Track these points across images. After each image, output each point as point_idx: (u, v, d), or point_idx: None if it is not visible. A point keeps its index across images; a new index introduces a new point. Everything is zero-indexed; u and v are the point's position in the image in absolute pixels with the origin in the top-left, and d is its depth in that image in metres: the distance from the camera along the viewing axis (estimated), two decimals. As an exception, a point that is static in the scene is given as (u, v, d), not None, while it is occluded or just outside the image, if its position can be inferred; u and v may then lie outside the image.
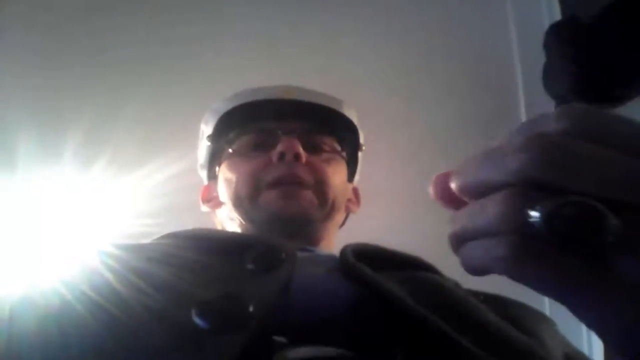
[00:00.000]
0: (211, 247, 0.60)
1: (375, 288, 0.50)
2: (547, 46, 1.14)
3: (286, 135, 0.80)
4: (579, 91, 1.10)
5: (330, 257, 0.64)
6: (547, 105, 1.23)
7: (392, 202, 1.23)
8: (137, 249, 0.60)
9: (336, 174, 0.84)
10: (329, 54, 1.33)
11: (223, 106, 0.88)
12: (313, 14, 1.36)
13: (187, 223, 0.70)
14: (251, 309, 0.43)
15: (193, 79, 1.27)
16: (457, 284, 0.63)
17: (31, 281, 0.53)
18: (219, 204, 0.88)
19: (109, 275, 0.51)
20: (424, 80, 1.34)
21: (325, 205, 0.80)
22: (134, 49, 1.29)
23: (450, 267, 0.64)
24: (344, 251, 0.59)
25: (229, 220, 0.84)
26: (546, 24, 1.28)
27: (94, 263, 0.54)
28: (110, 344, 0.41)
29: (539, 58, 1.19)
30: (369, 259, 0.57)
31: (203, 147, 0.93)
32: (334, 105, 0.89)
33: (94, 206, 1.17)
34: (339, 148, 0.89)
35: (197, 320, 0.42)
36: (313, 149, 0.84)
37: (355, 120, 0.92)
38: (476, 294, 0.59)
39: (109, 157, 1.16)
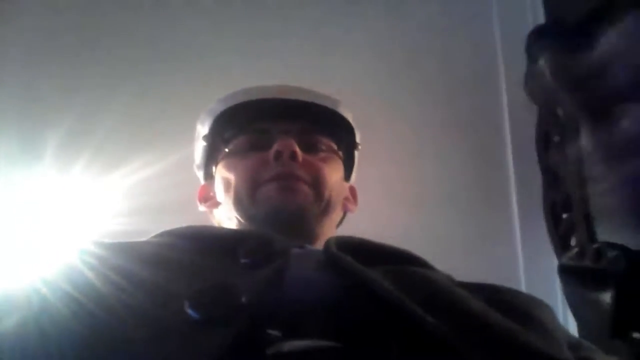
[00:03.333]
0: (205, 243, 0.60)
1: (354, 276, 0.51)
2: (529, 49, 1.14)
3: (282, 135, 0.81)
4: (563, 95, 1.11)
5: (322, 251, 0.64)
6: (530, 108, 1.24)
7: (389, 201, 1.24)
8: (129, 247, 0.60)
9: (332, 173, 0.84)
10: (325, 53, 1.34)
11: (219, 106, 0.88)
12: (307, 13, 1.37)
13: (170, 221, 0.70)
14: (243, 300, 0.43)
15: (179, 77, 1.26)
16: (448, 277, 0.63)
17: (11, 280, 0.54)
18: (216, 203, 0.88)
19: (89, 274, 0.51)
20: (414, 80, 1.35)
21: (321, 202, 0.81)
22: (117, 47, 1.28)
23: (450, 265, 0.65)
24: (327, 243, 0.59)
25: (227, 219, 0.85)
26: (531, 26, 1.28)
27: (74, 262, 0.54)
28: (90, 341, 0.41)
29: (522, 61, 1.19)
30: (354, 251, 0.57)
31: (199, 147, 0.93)
32: (330, 105, 0.89)
33: (75, 205, 1.17)
34: (335, 147, 0.89)
35: (189, 311, 0.42)
36: (309, 148, 0.84)
37: (351, 120, 0.93)
38: (468, 285, 0.59)
39: (91, 156, 1.16)
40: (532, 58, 1.15)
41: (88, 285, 0.48)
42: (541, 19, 1.29)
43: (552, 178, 1.21)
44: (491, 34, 1.37)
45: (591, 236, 1.12)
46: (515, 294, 0.62)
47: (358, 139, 0.95)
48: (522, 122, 1.30)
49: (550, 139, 1.23)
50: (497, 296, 0.57)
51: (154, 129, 1.07)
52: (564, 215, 1.17)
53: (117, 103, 1.21)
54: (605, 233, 1.11)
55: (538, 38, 1.15)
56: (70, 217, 1.16)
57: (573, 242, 1.15)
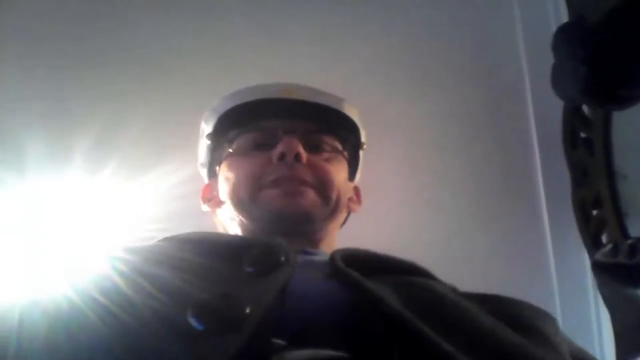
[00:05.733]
0: (210, 250, 0.60)
1: (362, 291, 0.51)
2: (555, 47, 1.14)
3: (287, 135, 0.80)
4: (589, 92, 1.10)
5: (327, 261, 0.64)
6: (555, 105, 1.24)
7: (393, 201, 1.23)
8: (139, 252, 0.60)
9: (337, 173, 0.84)
10: (330, 51, 1.33)
11: (223, 105, 0.88)
12: (313, 11, 1.36)
13: (197, 227, 0.70)
14: (247, 310, 0.43)
15: (201, 82, 1.26)
16: (453, 289, 0.62)
17: (40, 286, 0.54)
18: (219, 203, 0.87)
19: (117, 279, 0.51)
20: (427, 79, 1.34)
21: (329, 205, 0.80)
22: (144, 54, 1.28)
23: (450, 265, 0.65)
24: (333, 256, 0.59)
25: (229, 220, 0.84)
26: (553, 24, 1.28)
27: (101, 267, 0.54)
28: (118, 348, 0.42)
29: (546, 58, 1.19)
30: (360, 264, 0.57)
31: (203, 145, 0.93)
32: (334, 104, 0.89)
33: (103, 211, 1.17)
34: (340, 147, 0.88)
35: (192, 321, 0.43)
36: (314, 148, 0.83)
37: (356, 119, 0.92)
38: (472, 297, 0.59)
39: (118, 161, 1.16)
40: (557, 55, 1.15)
41: (115, 290, 0.49)
42: (564, 15, 1.28)
43: (580, 175, 1.21)
44: (513, 31, 1.37)
45: (623, 232, 1.11)
46: (519, 305, 0.61)
47: (363, 138, 0.94)
48: (547, 120, 1.29)
49: (577, 136, 1.23)
50: (503, 308, 0.57)
51: (184, 133, 1.07)
52: (594, 212, 1.17)
53: (143, 111, 1.21)
54: (638, 229, 1.11)
55: (564, 36, 1.15)
56: (98, 223, 1.16)
57: (604, 239, 1.15)
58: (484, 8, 1.38)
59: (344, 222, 0.94)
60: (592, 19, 1.17)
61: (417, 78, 1.33)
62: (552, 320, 0.61)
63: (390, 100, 1.30)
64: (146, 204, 1.15)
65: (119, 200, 1.17)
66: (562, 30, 1.18)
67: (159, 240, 0.68)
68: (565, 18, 1.28)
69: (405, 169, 1.26)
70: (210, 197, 0.90)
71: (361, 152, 0.95)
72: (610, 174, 1.15)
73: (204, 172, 0.96)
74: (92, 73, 1.25)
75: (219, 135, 0.88)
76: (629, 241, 1.05)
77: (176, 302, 0.45)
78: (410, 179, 1.26)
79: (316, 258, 0.68)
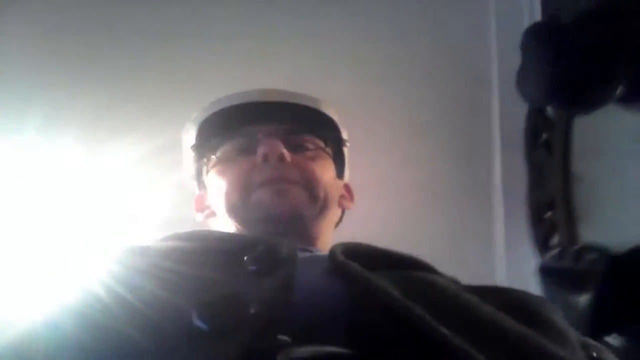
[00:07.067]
0: (212, 248, 0.62)
1: (362, 283, 0.51)
2: (523, 47, 1.13)
3: (267, 137, 0.81)
4: (554, 95, 1.10)
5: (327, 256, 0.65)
6: (523, 102, 1.24)
7: (386, 197, 1.23)
8: (141, 252, 0.62)
9: (323, 171, 0.85)
10: (311, 52, 1.31)
11: (201, 115, 0.90)
12: (292, 11, 1.33)
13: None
14: (252, 310, 0.44)
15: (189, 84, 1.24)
16: (454, 281, 0.63)
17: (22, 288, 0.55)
18: (212, 213, 0.89)
19: (118, 281, 0.52)
20: (403, 74, 1.32)
21: (316, 202, 0.81)
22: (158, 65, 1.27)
23: (451, 263, 0.65)
24: (332, 250, 0.59)
25: (225, 228, 0.85)
26: (527, 23, 1.27)
27: (103, 268, 0.55)
28: (98, 354, 0.42)
29: (517, 55, 1.18)
30: (361, 257, 0.57)
31: (189, 158, 0.94)
32: (312, 104, 0.90)
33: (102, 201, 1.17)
34: (322, 145, 0.90)
35: (197, 322, 0.43)
36: (296, 148, 0.84)
37: (335, 117, 0.93)
38: (474, 289, 0.59)
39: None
40: (525, 55, 1.15)
41: (94, 296, 0.49)
42: (538, 17, 1.28)
43: (537, 177, 1.21)
44: (487, 30, 1.35)
45: (573, 237, 1.12)
46: (524, 295, 0.62)
47: (345, 136, 0.95)
48: (512, 119, 1.28)
49: (538, 136, 1.23)
50: (507, 299, 0.57)
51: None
52: (547, 214, 1.18)
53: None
54: (588, 234, 1.12)
55: (532, 36, 1.14)
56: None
57: (555, 242, 1.16)
58: (459, 6, 1.36)
59: (340, 221, 0.96)
60: (566, 20, 1.17)
61: (397, 74, 1.32)
62: (556, 309, 0.61)
63: (364, 104, 1.29)
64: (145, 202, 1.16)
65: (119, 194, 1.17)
66: (532, 30, 1.17)
67: (161, 240, 0.69)
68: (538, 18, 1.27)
69: (373, 167, 1.26)
70: (204, 208, 0.92)
71: (345, 150, 0.96)
72: (566, 177, 1.15)
73: (193, 184, 0.97)
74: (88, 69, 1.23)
75: (201, 145, 0.89)
76: (576, 246, 1.07)
77: (181, 303, 0.45)
78: (396, 174, 1.26)
79: (316, 254, 0.69)
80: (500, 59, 1.32)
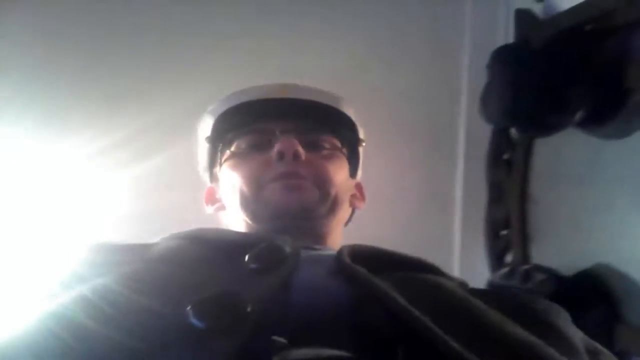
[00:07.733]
0: (214, 246, 0.61)
1: (367, 287, 0.51)
2: (490, 68, 1.16)
3: (284, 135, 0.80)
4: (513, 117, 1.13)
5: (333, 257, 0.64)
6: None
7: (396, 199, 1.24)
8: (139, 250, 0.61)
9: (337, 170, 0.83)
10: (323, 50, 1.31)
11: (219, 107, 0.88)
12: (303, 9, 1.33)
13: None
14: (249, 308, 0.44)
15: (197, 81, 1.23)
16: (462, 284, 0.63)
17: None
18: (223, 206, 0.88)
19: (115, 280, 0.51)
20: (366, 80, 1.32)
21: (327, 200, 0.80)
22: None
23: (455, 263, 0.65)
24: (339, 252, 0.59)
25: (235, 221, 0.85)
26: (500, 43, 1.29)
27: (100, 267, 0.55)
28: (119, 349, 0.42)
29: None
30: (366, 260, 0.57)
31: (203, 149, 0.92)
32: (331, 102, 0.88)
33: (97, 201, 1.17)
34: (339, 144, 0.88)
35: (193, 320, 0.43)
36: (312, 146, 0.83)
37: (353, 116, 0.92)
38: (482, 292, 0.59)
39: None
40: (490, 75, 1.17)
41: (103, 289, 0.49)
42: (511, 39, 1.30)
43: (496, 194, 1.24)
44: (460, 42, 1.37)
45: (525, 256, 1.15)
46: (532, 300, 0.62)
47: (362, 135, 0.94)
48: (478, 134, 1.31)
49: (500, 155, 1.26)
50: (514, 304, 0.57)
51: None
52: (503, 233, 1.20)
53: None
54: (539, 255, 1.15)
55: (499, 58, 1.16)
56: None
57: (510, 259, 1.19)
58: (434, 17, 1.38)
59: (349, 220, 0.94)
60: (536, 46, 1.19)
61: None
62: (565, 315, 0.60)
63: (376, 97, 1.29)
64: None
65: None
66: (499, 52, 1.19)
67: (162, 238, 0.68)
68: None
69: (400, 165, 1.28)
70: (214, 201, 0.91)
71: (360, 149, 0.94)
72: (524, 197, 1.18)
73: (205, 175, 0.96)
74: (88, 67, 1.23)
75: (217, 138, 0.88)
76: (526, 266, 1.09)
77: (178, 301, 0.45)
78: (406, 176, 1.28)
79: (322, 254, 0.68)
80: (470, 75, 1.34)
